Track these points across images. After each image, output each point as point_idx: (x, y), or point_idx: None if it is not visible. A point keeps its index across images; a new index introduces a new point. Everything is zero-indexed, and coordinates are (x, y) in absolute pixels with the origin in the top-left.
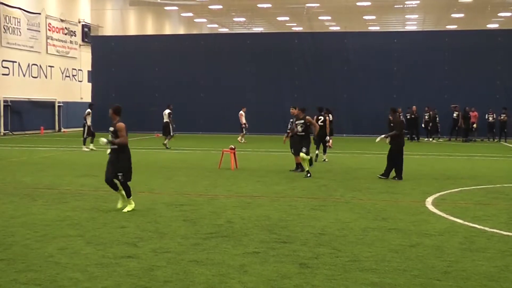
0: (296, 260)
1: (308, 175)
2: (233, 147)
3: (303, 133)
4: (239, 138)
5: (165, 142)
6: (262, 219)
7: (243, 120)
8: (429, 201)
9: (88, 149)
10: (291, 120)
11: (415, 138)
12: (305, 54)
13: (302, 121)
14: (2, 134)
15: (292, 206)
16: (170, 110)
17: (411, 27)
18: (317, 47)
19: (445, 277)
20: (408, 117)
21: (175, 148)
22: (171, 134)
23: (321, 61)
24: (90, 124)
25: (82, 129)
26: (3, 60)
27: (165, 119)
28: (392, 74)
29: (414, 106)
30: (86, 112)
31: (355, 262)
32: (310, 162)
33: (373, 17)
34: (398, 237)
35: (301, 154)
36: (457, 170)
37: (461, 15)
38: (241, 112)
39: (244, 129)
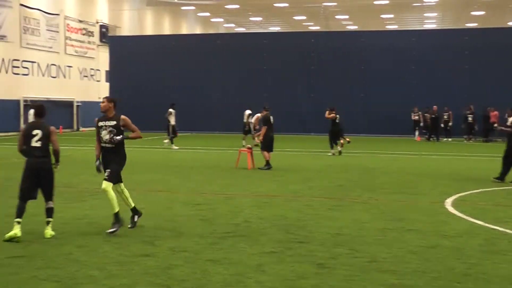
0: (314, 260)
1: None
2: (250, 146)
3: None
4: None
5: (166, 141)
6: (279, 219)
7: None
8: (448, 201)
9: (176, 148)
10: None
11: (435, 138)
12: (322, 53)
13: None
14: None
15: (309, 206)
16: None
17: (429, 25)
18: (334, 46)
19: (465, 279)
20: (428, 117)
21: (192, 147)
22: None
23: (338, 60)
24: (174, 123)
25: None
26: (23, 61)
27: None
28: (410, 73)
29: (434, 106)
30: (168, 111)
31: (373, 263)
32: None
33: (391, 16)
34: (416, 238)
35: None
36: (478, 170)
37: (481, 12)
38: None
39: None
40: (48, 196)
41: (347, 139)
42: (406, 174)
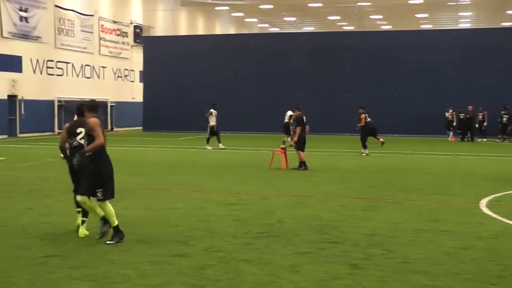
0: (347, 260)
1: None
2: (283, 146)
3: None
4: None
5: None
6: (313, 219)
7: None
8: (483, 202)
9: (210, 148)
10: None
11: (470, 138)
12: (356, 53)
13: None
14: (56, 133)
15: (343, 206)
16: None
17: (464, 24)
18: (368, 46)
19: (500, 281)
20: (462, 117)
21: (226, 147)
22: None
23: (372, 60)
24: (213, 124)
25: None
26: (57, 61)
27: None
28: (445, 73)
29: (470, 106)
30: (209, 111)
31: (407, 264)
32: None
33: (425, 15)
34: (450, 239)
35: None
36: None
37: None
38: (290, 112)
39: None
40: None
41: (381, 140)
42: (440, 175)
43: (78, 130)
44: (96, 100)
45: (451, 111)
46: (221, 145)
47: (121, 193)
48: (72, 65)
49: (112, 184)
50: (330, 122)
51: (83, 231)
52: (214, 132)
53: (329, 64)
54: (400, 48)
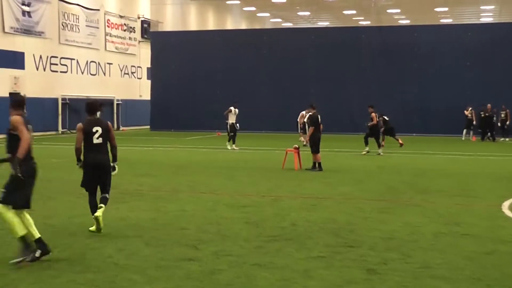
0: (363, 265)
1: None
2: (297, 146)
3: None
4: (302, 139)
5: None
6: (328, 222)
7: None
8: (505, 205)
9: (237, 148)
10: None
11: (490, 138)
12: (373, 49)
13: None
14: (60, 132)
15: (359, 208)
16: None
17: (486, 18)
18: (385, 41)
19: None
20: (482, 115)
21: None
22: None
23: (389, 56)
24: (232, 122)
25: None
26: (62, 58)
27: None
28: (465, 69)
29: (489, 104)
30: (228, 109)
31: (426, 269)
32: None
33: (446, 9)
34: (472, 244)
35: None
36: None
37: None
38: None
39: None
40: (106, 191)
41: (400, 141)
42: (461, 176)
43: (94, 129)
44: (102, 98)
45: (470, 109)
46: (234, 146)
47: (128, 194)
48: (77, 61)
49: (27, 192)
50: (346, 121)
51: (99, 214)
52: (234, 131)
53: (345, 60)
54: (419, 44)
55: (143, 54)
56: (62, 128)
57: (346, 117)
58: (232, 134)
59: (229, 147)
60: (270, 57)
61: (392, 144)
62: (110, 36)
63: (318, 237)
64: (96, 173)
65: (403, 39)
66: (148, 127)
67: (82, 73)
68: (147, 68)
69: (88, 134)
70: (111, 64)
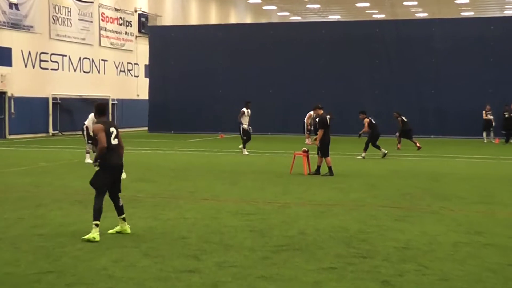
0: (377, 277)
1: None
2: (306, 149)
3: None
4: (309, 141)
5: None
6: (339, 231)
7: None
8: None
9: (246, 152)
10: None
11: None
12: (388, 44)
13: None
14: (51, 134)
15: (373, 216)
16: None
17: (510, 11)
18: (401, 36)
19: None
20: (506, 115)
21: (240, 150)
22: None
23: (405, 52)
24: (245, 125)
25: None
26: (52, 54)
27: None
28: (488, 66)
29: None
30: (241, 111)
31: (444, 282)
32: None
33: (466, 1)
34: (494, 254)
35: None
36: None
37: None
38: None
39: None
40: (119, 190)
41: (418, 144)
42: (482, 181)
43: (111, 130)
44: (97, 98)
45: (488, 107)
46: (245, 150)
47: (124, 201)
48: (69, 58)
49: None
50: (357, 121)
51: (127, 227)
52: (247, 135)
53: (357, 56)
54: (438, 39)
55: (141, 50)
56: (53, 130)
57: (357, 117)
58: (246, 138)
59: (246, 152)
60: (277, 54)
61: (408, 147)
62: (105, 30)
63: (328, 247)
64: (115, 174)
65: (420, 33)
66: (146, 128)
67: (75, 70)
68: (145, 65)
69: (107, 135)
70: (106, 61)
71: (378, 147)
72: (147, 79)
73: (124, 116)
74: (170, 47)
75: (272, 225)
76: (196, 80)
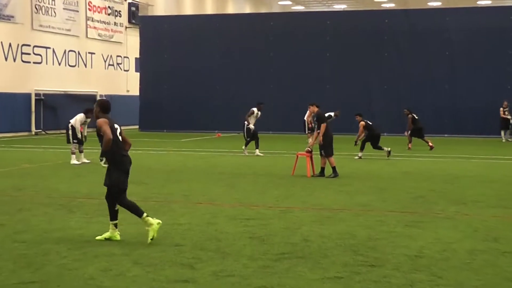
0: (387, 287)
1: None
2: (309, 149)
3: None
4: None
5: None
6: (345, 237)
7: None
8: None
9: (246, 153)
10: None
11: None
12: (398, 36)
13: None
14: (33, 133)
15: (382, 221)
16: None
17: None
18: (412, 27)
19: None
20: None
21: (240, 150)
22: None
23: (417, 44)
24: (251, 125)
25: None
26: (35, 46)
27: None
28: (506, 59)
29: None
30: (250, 110)
31: None
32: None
33: None
34: None
35: None
36: None
37: None
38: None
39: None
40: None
41: (430, 144)
42: (501, 184)
43: (116, 126)
44: (83, 93)
45: (505, 103)
46: (246, 151)
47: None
48: (53, 50)
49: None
50: (365, 118)
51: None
52: (250, 136)
53: (364, 49)
54: (452, 30)
55: (131, 42)
56: (36, 129)
57: (367, 115)
58: (249, 139)
59: (246, 153)
60: (278, 46)
61: (420, 147)
62: (92, 21)
63: (334, 255)
64: (129, 170)
65: (433, 24)
66: (137, 127)
67: (59, 64)
68: (136, 58)
69: (112, 131)
70: (93, 53)
71: (380, 148)
72: (138, 74)
73: (113, 113)
74: (163, 39)
75: (273, 232)
76: (191, 75)
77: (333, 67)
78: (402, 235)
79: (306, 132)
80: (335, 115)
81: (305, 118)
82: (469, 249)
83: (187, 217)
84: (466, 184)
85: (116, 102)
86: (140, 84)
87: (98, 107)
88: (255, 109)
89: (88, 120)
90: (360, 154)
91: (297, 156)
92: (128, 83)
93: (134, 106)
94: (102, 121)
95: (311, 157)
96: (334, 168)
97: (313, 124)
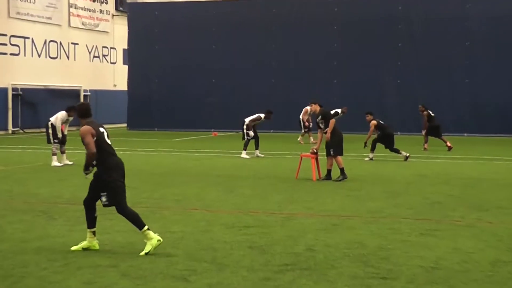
0: None
1: None
2: (315, 151)
3: None
4: (299, 139)
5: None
6: (354, 247)
7: (305, 117)
8: None
9: (247, 156)
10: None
11: None
12: (413, 25)
13: None
14: (10, 132)
15: (395, 229)
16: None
17: None
18: (428, 15)
19: None
20: None
21: (238, 151)
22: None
23: (434, 34)
24: (251, 132)
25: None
26: (12, 36)
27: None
28: None
29: None
30: (257, 116)
31: None
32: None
33: None
34: None
35: None
36: None
37: None
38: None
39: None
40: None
41: (449, 144)
42: None
43: (101, 130)
44: (65, 88)
45: None
46: (244, 154)
47: (98, 211)
48: (32, 40)
49: None
50: (376, 116)
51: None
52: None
53: (376, 40)
54: (473, 18)
55: (118, 32)
56: (13, 127)
57: (378, 112)
58: (248, 138)
59: (259, 154)
60: (280, 37)
61: (437, 147)
62: (75, 8)
63: (342, 266)
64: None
65: (452, 12)
66: (125, 125)
67: (39, 56)
68: (123, 49)
69: (99, 137)
70: (77, 44)
71: (397, 151)
72: (126, 67)
73: (99, 110)
74: (154, 28)
75: (275, 240)
76: (185, 68)
77: (340, 59)
78: (417, 245)
79: (302, 131)
80: (342, 111)
81: (301, 117)
82: (492, 260)
83: (180, 224)
84: (488, 188)
85: (102, 97)
86: (128, 78)
87: (78, 114)
88: (262, 116)
89: (70, 118)
90: (371, 155)
91: (301, 158)
92: (115, 77)
93: (122, 102)
94: (84, 130)
95: (316, 159)
96: (342, 170)
97: (309, 123)
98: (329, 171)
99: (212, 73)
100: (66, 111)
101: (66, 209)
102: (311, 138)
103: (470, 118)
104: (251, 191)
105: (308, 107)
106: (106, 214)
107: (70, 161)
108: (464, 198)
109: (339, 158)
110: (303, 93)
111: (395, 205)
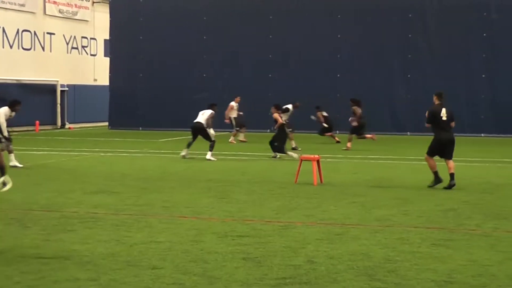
0: None
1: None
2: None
3: None
4: (231, 139)
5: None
6: (359, 259)
7: (233, 114)
8: None
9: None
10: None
11: None
12: (426, 14)
13: None
14: None
15: (404, 239)
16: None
17: None
18: (443, 4)
19: None
20: None
21: (233, 153)
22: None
23: (449, 24)
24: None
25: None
26: None
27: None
28: None
29: None
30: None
31: None
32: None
33: None
34: None
35: None
36: None
37: None
38: (232, 103)
39: (234, 126)
40: None
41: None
42: None
43: None
44: (41, 83)
45: None
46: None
47: (77, 219)
48: (3, 30)
49: None
50: (385, 116)
51: None
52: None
53: (385, 30)
54: (492, 6)
55: (99, 21)
56: None
57: (387, 111)
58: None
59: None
60: (279, 26)
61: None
62: None
63: (345, 280)
64: None
65: (468, 1)
66: (106, 124)
67: (11, 47)
68: (105, 40)
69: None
70: (53, 34)
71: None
72: (108, 59)
73: (78, 107)
74: (138, 17)
75: (272, 252)
76: (173, 61)
77: (346, 51)
78: (428, 256)
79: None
80: (294, 107)
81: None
82: (510, 274)
83: (168, 233)
84: (508, 195)
85: (81, 93)
86: (110, 72)
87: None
88: (233, 103)
89: (13, 114)
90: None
91: (301, 160)
92: (95, 71)
93: (103, 99)
94: None
95: (318, 162)
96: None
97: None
98: (435, 173)
99: (202, 67)
100: (9, 106)
101: (42, 216)
102: (241, 135)
103: (487, 116)
104: (245, 197)
105: (232, 103)
106: (85, 222)
107: (19, 163)
108: (481, 205)
109: (431, 161)
110: (303, 88)
111: (404, 212)
